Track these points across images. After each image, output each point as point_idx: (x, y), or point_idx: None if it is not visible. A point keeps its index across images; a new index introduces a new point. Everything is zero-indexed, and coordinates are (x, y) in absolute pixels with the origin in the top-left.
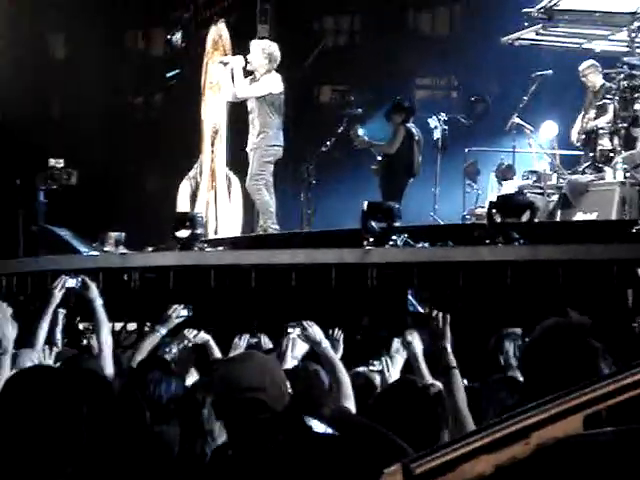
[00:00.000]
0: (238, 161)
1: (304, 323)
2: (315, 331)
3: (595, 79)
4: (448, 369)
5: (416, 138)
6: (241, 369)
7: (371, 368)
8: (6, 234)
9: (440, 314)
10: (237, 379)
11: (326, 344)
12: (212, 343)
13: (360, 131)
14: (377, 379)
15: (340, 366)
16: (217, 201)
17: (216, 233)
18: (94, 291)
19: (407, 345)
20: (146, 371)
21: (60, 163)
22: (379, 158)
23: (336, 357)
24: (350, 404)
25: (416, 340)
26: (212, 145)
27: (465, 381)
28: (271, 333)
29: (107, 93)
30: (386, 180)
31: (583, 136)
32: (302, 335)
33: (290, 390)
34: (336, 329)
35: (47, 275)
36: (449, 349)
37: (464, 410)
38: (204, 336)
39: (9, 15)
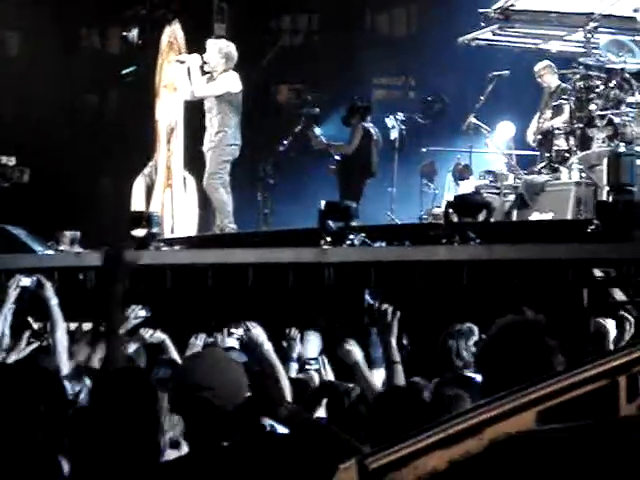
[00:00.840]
0: (194, 160)
1: (247, 324)
2: (258, 333)
3: (550, 79)
4: (391, 363)
5: (374, 138)
6: (194, 367)
7: (307, 367)
8: None
9: (390, 308)
10: (189, 376)
11: (268, 346)
12: (168, 342)
13: (317, 131)
14: (315, 378)
15: (280, 369)
16: (173, 200)
17: (172, 232)
18: (49, 290)
19: (347, 354)
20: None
21: (12, 161)
22: (337, 158)
23: (277, 360)
24: None
25: (355, 348)
26: (168, 143)
27: (418, 378)
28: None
29: (61, 91)
30: (344, 180)
31: (539, 136)
32: (245, 336)
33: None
34: (293, 329)
35: (1, 274)
36: (394, 344)
37: None
38: (160, 335)
39: None
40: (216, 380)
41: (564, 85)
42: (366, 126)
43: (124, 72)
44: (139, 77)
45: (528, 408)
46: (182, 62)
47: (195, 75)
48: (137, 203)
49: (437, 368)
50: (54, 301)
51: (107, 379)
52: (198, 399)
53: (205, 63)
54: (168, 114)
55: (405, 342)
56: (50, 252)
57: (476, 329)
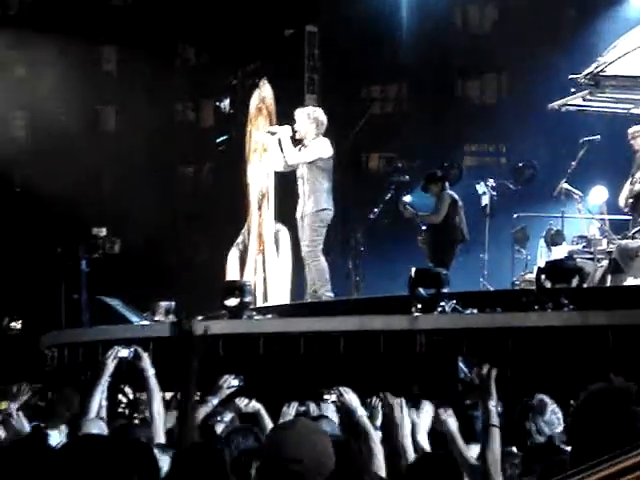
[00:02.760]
0: (288, 227)
1: (340, 389)
2: (351, 398)
3: None
4: (489, 426)
5: (459, 204)
6: (284, 438)
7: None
8: (48, 303)
9: (486, 369)
10: (279, 448)
11: (362, 412)
12: (263, 412)
13: (407, 199)
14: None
15: (374, 436)
16: (265, 265)
17: (265, 298)
18: (146, 361)
19: (442, 423)
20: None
21: (102, 232)
22: (423, 228)
23: (371, 426)
24: (382, 473)
25: (451, 418)
26: (259, 209)
27: (514, 448)
28: (319, 401)
29: (157, 164)
30: (434, 249)
31: (631, 200)
32: (337, 401)
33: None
34: (374, 398)
35: (98, 345)
36: (492, 407)
37: (494, 471)
38: (255, 405)
39: (62, 89)
40: (305, 452)
41: None
42: (451, 193)
43: (218, 141)
44: (232, 145)
45: (617, 478)
46: (273, 133)
47: (287, 145)
48: (231, 272)
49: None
50: (151, 372)
51: (182, 455)
52: (288, 472)
53: (296, 132)
54: (259, 180)
55: (500, 410)
56: (146, 322)
57: (547, 399)
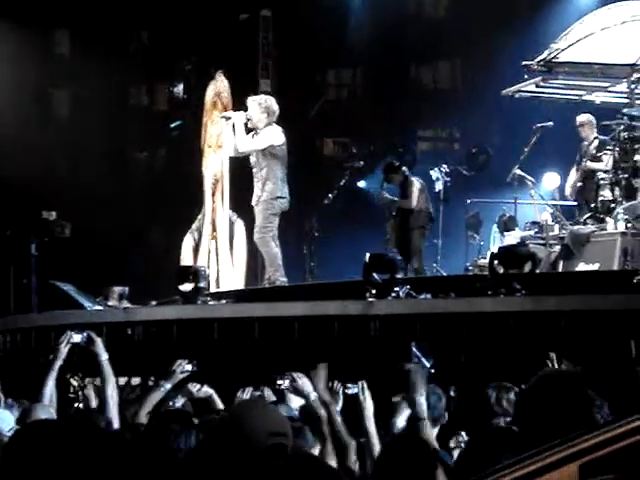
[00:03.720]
0: (242, 214)
1: (293, 375)
2: (304, 383)
3: (589, 133)
4: (418, 420)
5: (424, 186)
6: (264, 413)
7: (346, 391)
8: None
9: (417, 366)
10: (263, 422)
11: (314, 397)
12: (215, 397)
13: (362, 184)
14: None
15: (325, 420)
16: (218, 251)
17: (217, 283)
18: (100, 346)
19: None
20: (166, 423)
21: (52, 215)
22: (393, 214)
23: (324, 411)
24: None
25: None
26: (213, 195)
27: (463, 433)
28: (274, 386)
29: (110, 148)
30: (404, 235)
31: (579, 184)
32: (291, 387)
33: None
34: (335, 382)
35: (51, 330)
36: (422, 401)
37: None
38: (207, 390)
39: (13, 72)
40: (287, 426)
41: (602, 138)
42: (416, 178)
43: (171, 126)
44: (185, 131)
45: (571, 461)
46: (228, 119)
47: (239, 131)
48: (186, 258)
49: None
50: (105, 357)
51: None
52: (276, 445)
53: (248, 120)
54: (213, 168)
55: (452, 394)
56: (99, 307)
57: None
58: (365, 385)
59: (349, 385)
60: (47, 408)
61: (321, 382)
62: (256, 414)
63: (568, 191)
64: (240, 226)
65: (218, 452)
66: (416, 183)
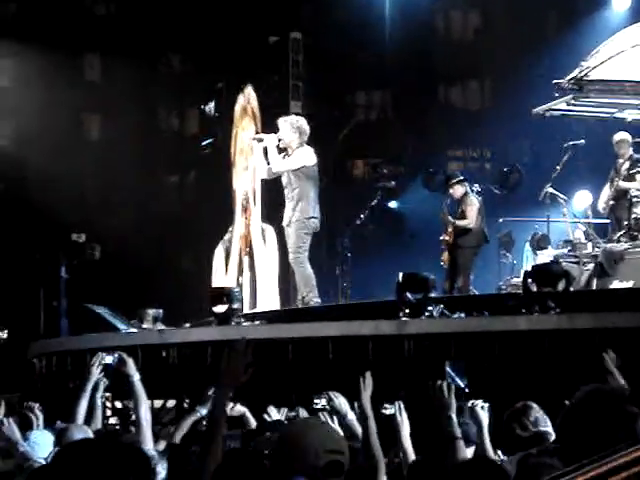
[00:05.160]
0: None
1: (330, 394)
2: (341, 402)
3: (625, 151)
4: (452, 439)
5: (482, 206)
6: (319, 431)
7: (383, 411)
8: (29, 310)
9: (445, 383)
10: (320, 441)
11: (352, 416)
12: (249, 415)
13: (393, 205)
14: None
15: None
16: (254, 265)
17: (253, 299)
18: (131, 367)
19: (475, 416)
20: (189, 445)
21: (82, 238)
22: (450, 230)
23: (360, 430)
24: (381, 474)
25: (482, 412)
26: (244, 211)
27: (500, 453)
28: (308, 406)
29: (141, 172)
30: (458, 253)
31: (612, 203)
32: (328, 406)
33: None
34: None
35: (86, 353)
36: (454, 419)
37: None
38: (240, 409)
39: (45, 96)
40: (344, 444)
41: (636, 156)
42: (476, 196)
43: (203, 144)
44: (216, 151)
45: (613, 475)
46: (260, 140)
47: (272, 153)
48: (217, 274)
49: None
50: (136, 377)
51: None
52: (334, 463)
53: (280, 140)
54: (244, 183)
55: (488, 413)
56: (133, 330)
57: (531, 403)
58: (402, 406)
59: (386, 405)
60: (83, 428)
61: (367, 392)
62: (313, 432)
63: (601, 206)
64: (272, 235)
65: (276, 469)
66: (475, 202)
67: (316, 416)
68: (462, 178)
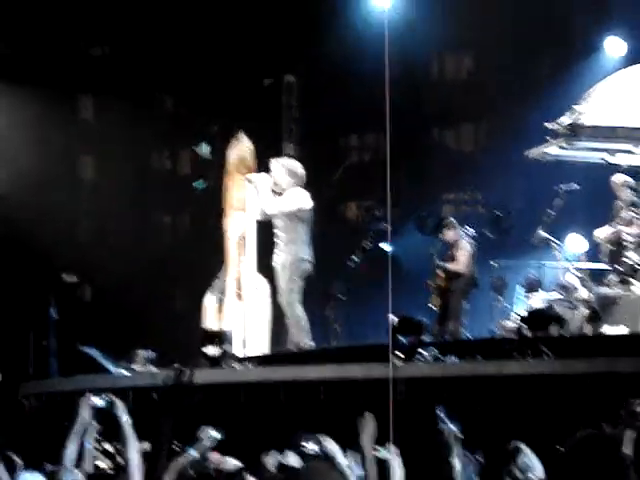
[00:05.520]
0: (266, 276)
1: (320, 438)
2: (330, 445)
3: (624, 194)
4: None
5: (474, 251)
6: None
7: (375, 454)
8: (20, 351)
9: (447, 428)
10: None
11: (341, 459)
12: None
13: (387, 247)
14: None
15: None
16: (245, 311)
17: (244, 345)
18: (121, 408)
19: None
20: None
21: (73, 278)
22: (441, 275)
23: (352, 475)
24: None
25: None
26: (238, 255)
27: None
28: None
29: (134, 212)
30: (447, 296)
31: (610, 247)
32: (318, 450)
33: None
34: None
35: (76, 395)
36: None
37: None
38: (236, 463)
39: (38, 136)
40: None
41: (636, 200)
42: (469, 241)
43: (194, 184)
44: (209, 192)
45: None
46: (251, 182)
47: (265, 194)
48: (208, 318)
49: None
50: (125, 419)
51: None
52: None
53: (274, 184)
54: (237, 228)
55: (480, 459)
56: (124, 372)
57: (521, 445)
58: (396, 450)
59: (378, 448)
60: (74, 472)
61: (367, 433)
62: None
63: (599, 236)
64: (265, 287)
65: None
66: (468, 247)
67: (323, 461)
68: (451, 220)
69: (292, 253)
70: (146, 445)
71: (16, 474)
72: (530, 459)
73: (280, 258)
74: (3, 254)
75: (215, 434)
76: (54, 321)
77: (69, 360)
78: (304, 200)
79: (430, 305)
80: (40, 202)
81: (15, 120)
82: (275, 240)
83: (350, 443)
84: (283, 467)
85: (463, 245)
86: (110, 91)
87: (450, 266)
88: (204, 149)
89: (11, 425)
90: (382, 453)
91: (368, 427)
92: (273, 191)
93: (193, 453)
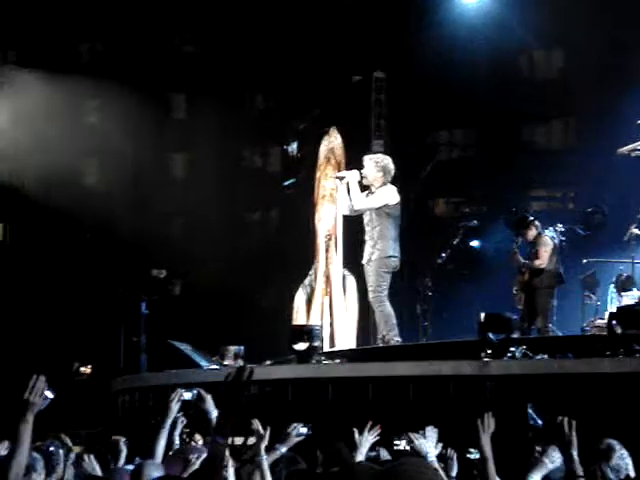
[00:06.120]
0: (354, 273)
1: (410, 435)
2: (422, 443)
3: None
4: (575, 478)
5: (557, 246)
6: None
7: (468, 456)
8: (110, 346)
9: (566, 419)
10: None
11: (433, 457)
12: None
13: (475, 244)
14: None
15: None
16: (332, 308)
17: (332, 341)
18: (210, 403)
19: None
20: None
21: (162, 273)
22: (524, 270)
23: (442, 473)
24: None
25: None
26: (327, 252)
27: None
28: (389, 447)
29: (224, 209)
30: (534, 292)
31: None
32: (410, 447)
33: None
34: (449, 449)
35: (169, 389)
36: (576, 457)
37: None
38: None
39: (132, 134)
40: None
41: None
42: (551, 236)
43: (285, 184)
44: (299, 189)
45: None
46: (341, 178)
47: (354, 190)
48: (298, 314)
49: None
50: (214, 414)
51: None
52: None
53: (363, 178)
54: (326, 222)
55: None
56: (215, 367)
57: (616, 444)
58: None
59: (471, 450)
60: (158, 465)
61: (487, 433)
62: (411, 475)
63: None
64: (352, 282)
65: None
66: (549, 242)
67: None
68: (531, 219)
69: (380, 249)
70: (238, 440)
71: (119, 462)
72: (624, 459)
73: (369, 254)
74: (95, 249)
75: (304, 430)
76: (145, 316)
77: (158, 355)
78: (392, 196)
79: (516, 303)
80: (133, 198)
81: (109, 117)
82: (364, 236)
83: (443, 441)
84: (376, 462)
85: (544, 241)
86: (202, 90)
87: (530, 263)
88: (294, 147)
89: (103, 419)
90: (474, 455)
91: (488, 427)
92: (362, 186)
93: (283, 449)
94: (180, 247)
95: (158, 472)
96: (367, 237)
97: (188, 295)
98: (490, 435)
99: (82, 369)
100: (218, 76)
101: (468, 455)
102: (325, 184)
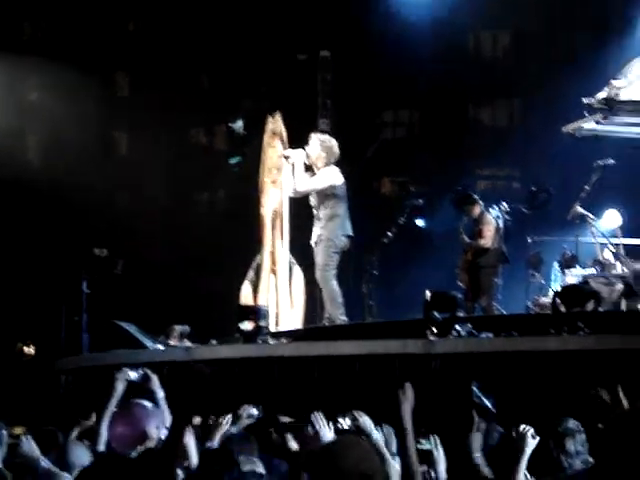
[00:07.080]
0: (301, 253)
1: (354, 413)
2: (365, 421)
3: None
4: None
5: (500, 225)
6: (352, 452)
7: (419, 447)
8: (52, 326)
9: (529, 432)
10: (350, 462)
11: (377, 435)
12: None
13: (420, 223)
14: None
15: (389, 459)
16: (277, 287)
17: (276, 320)
18: (156, 383)
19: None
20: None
21: (104, 252)
22: (469, 250)
23: (386, 451)
24: None
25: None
26: (273, 229)
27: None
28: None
29: (169, 188)
30: (475, 274)
31: None
32: (352, 425)
33: None
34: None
35: (113, 369)
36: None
37: None
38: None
39: (75, 112)
40: (376, 467)
41: None
42: (493, 215)
43: (230, 161)
44: (245, 168)
45: None
46: (287, 157)
47: (298, 171)
48: (245, 294)
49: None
50: (161, 394)
51: None
52: None
53: (307, 157)
54: (272, 204)
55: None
56: (160, 347)
57: (576, 428)
58: (438, 440)
59: (422, 441)
60: (81, 447)
61: (407, 404)
62: (352, 453)
63: None
64: (297, 270)
65: None
66: (492, 221)
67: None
68: (474, 197)
69: (328, 229)
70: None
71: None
72: (580, 443)
73: (317, 235)
74: (35, 227)
75: (255, 411)
76: (86, 295)
77: (100, 335)
78: (335, 177)
79: (458, 282)
80: (74, 176)
81: (52, 95)
82: (313, 216)
83: (384, 419)
84: None
85: (487, 219)
86: (146, 69)
87: (474, 242)
88: (239, 125)
89: (46, 399)
90: (425, 445)
91: (407, 398)
92: (306, 166)
93: (233, 430)
94: (123, 225)
95: (82, 452)
96: (315, 219)
97: (132, 274)
98: (411, 407)
99: (26, 349)
100: (163, 54)
101: (419, 446)
102: (270, 162)
